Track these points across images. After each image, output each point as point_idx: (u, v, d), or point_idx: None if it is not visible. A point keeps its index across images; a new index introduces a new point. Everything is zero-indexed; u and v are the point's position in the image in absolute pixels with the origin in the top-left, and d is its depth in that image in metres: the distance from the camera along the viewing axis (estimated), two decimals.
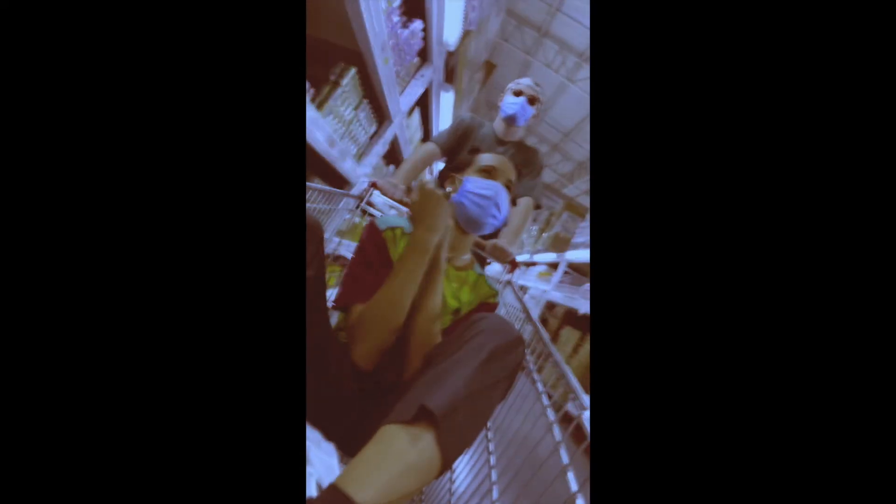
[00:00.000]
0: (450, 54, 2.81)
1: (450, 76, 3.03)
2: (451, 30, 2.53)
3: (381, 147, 2.22)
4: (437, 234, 0.73)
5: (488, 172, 0.84)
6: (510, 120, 1.49)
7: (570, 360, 2.75)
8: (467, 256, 0.91)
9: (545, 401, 0.66)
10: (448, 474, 0.77)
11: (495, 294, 0.89)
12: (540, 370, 0.77)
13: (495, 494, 0.64)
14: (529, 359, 0.79)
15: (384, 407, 0.58)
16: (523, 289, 4.77)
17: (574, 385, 0.61)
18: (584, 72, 7.69)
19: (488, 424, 0.76)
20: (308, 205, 1.08)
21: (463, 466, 0.74)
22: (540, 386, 0.71)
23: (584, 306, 2.70)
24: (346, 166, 1.87)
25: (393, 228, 0.85)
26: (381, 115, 2.15)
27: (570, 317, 3.28)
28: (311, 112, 1.41)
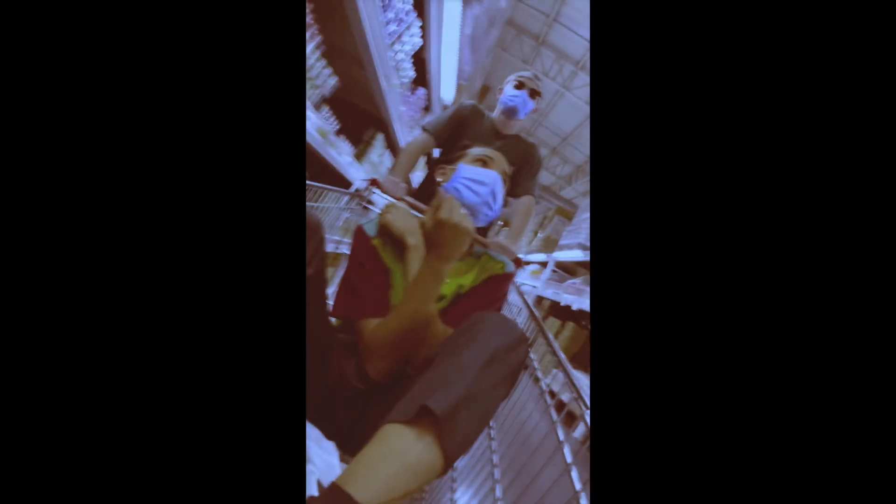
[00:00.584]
0: (446, 106, 3.78)
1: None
2: (447, 90, 3.58)
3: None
4: (452, 263, 0.71)
5: (483, 162, 0.82)
6: (510, 112, 1.45)
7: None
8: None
9: (548, 400, 0.65)
10: (450, 474, 0.76)
11: (503, 265, 0.84)
12: (531, 345, 0.76)
13: (498, 493, 0.63)
14: (533, 357, 0.78)
15: (385, 406, 0.57)
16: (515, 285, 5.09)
17: (572, 375, 0.61)
18: (580, 80, 7.79)
19: (491, 424, 0.75)
20: (308, 203, 1.08)
21: (465, 465, 0.73)
22: (543, 385, 0.71)
23: (565, 300, 3.12)
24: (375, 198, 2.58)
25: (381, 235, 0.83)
26: (397, 156, 2.84)
27: (554, 308, 3.75)
28: (351, 160, 2.44)
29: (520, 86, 1.46)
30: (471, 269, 0.84)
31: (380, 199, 1.13)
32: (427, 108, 3.22)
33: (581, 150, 9.59)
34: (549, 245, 4.31)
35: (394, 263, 0.80)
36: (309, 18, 1.67)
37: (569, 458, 0.53)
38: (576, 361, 2.83)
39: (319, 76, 1.97)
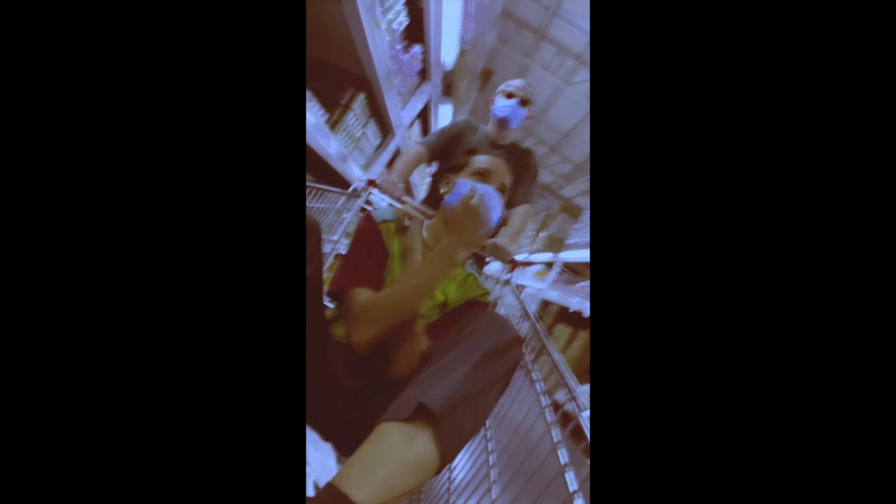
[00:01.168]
0: (447, 72, 2.97)
1: (447, 91, 3.19)
2: (447, 51, 2.68)
3: (385, 157, 2.44)
4: (469, 251, 0.74)
5: (482, 175, 0.84)
6: (503, 122, 1.48)
7: (564, 354, 2.87)
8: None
9: (544, 401, 0.65)
10: (446, 472, 0.77)
11: (486, 293, 0.89)
12: (535, 361, 0.77)
13: (494, 493, 0.63)
14: (528, 357, 0.79)
15: (381, 405, 0.57)
16: (520, 287, 4.87)
17: (568, 379, 0.61)
18: (581, 75, 7.73)
19: (487, 423, 0.76)
20: (307, 204, 1.08)
21: (462, 464, 0.73)
22: (539, 386, 0.71)
23: (575, 304, 2.78)
24: (354, 175, 2.11)
25: (387, 221, 0.86)
26: (385, 129, 2.36)
27: (564, 314, 3.40)
28: (325, 129, 1.61)
29: (510, 95, 1.48)
30: (459, 286, 0.88)
31: (378, 200, 1.13)
32: (423, 73, 2.42)
33: (581, 148, 9.54)
34: (554, 244, 4.15)
35: (394, 251, 0.84)
36: None
37: (564, 459, 0.54)
38: (587, 376, 2.46)
39: None
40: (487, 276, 0.92)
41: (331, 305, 0.89)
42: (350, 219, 1.18)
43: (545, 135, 10.25)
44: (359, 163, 2.18)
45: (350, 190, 1.20)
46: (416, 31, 2.08)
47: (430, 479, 0.52)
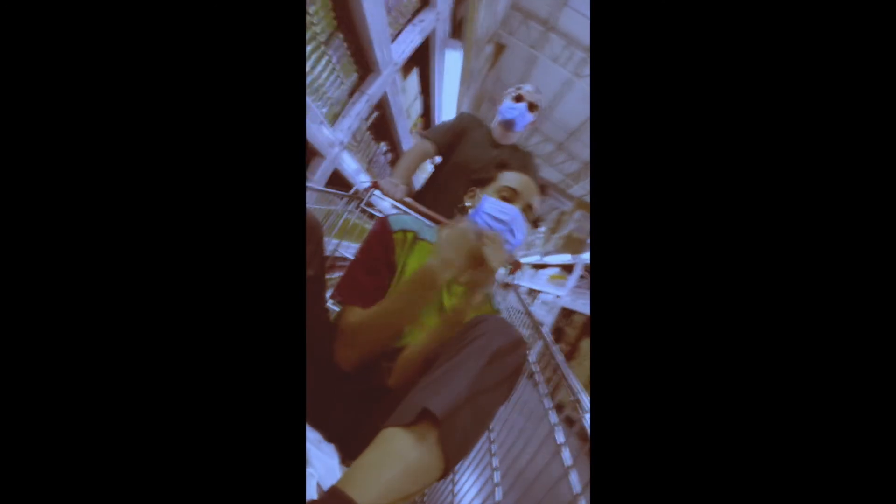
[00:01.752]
0: (458, 1, 2.04)
1: (457, 30, 2.24)
2: None
3: (361, 106, 1.60)
4: (450, 273, 0.68)
5: (509, 194, 0.80)
6: (508, 124, 1.48)
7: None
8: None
9: (547, 403, 0.65)
10: (450, 477, 0.77)
11: (497, 313, 0.85)
12: (549, 381, 0.75)
13: (498, 496, 0.64)
14: (532, 360, 0.79)
15: (385, 409, 0.58)
16: (532, 293, 4.47)
17: (584, 402, 0.58)
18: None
19: (490, 427, 0.76)
20: (307, 205, 1.07)
21: (465, 469, 0.74)
22: (542, 388, 0.71)
23: None
24: (312, 129, 1.35)
25: (405, 231, 0.81)
26: (363, 61, 1.56)
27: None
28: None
29: (519, 98, 1.47)
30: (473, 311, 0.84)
31: (380, 201, 1.12)
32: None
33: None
34: (573, 245, 3.69)
35: (406, 264, 0.80)
36: None
37: (568, 462, 0.54)
38: None
39: None
40: (495, 297, 0.88)
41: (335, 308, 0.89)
42: (347, 219, 1.15)
43: (551, 132, 10.13)
44: (318, 118, 1.35)
45: (352, 191, 1.18)
46: None
47: (434, 484, 0.53)
